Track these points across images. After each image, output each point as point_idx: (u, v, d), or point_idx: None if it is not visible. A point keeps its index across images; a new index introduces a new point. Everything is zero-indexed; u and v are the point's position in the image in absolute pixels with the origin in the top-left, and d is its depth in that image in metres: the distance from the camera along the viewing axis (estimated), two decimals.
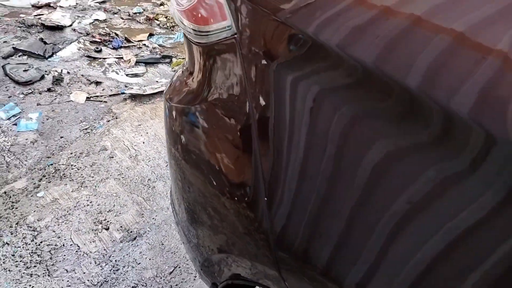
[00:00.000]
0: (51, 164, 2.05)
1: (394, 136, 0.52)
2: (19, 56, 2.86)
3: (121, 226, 1.77)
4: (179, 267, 1.62)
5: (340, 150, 0.58)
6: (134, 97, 2.59)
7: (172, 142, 0.98)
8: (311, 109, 0.61)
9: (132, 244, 1.70)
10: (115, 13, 3.51)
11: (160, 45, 3.21)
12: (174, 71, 2.94)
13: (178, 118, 0.93)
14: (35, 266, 1.59)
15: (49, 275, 1.56)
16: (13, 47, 2.89)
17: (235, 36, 0.69)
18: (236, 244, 0.86)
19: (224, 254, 0.89)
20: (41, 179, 1.97)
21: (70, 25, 3.27)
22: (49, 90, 2.58)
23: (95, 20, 3.38)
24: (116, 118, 2.40)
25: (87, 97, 2.56)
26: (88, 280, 1.56)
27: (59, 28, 3.19)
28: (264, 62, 0.65)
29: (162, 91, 2.66)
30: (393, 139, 0.52)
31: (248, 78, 0.69)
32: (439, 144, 0.47)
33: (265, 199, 0.71)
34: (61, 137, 2.24)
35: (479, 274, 0.46)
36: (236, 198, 0.80)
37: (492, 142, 0.43)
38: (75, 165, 2.06)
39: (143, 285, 1.56)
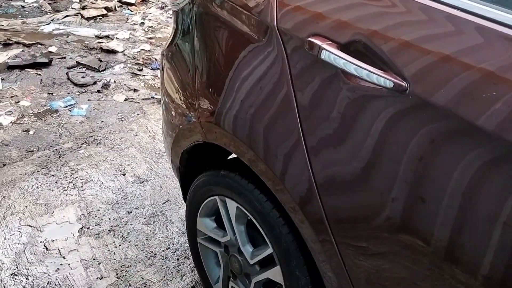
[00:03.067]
0: (92, 135, 2.77)
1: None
2: (80, 68, 3.70)
3: (134, 174, 2.43)
4: (169, 201, 2.25)
5: (222, 49, 1.24)
6: (160, 101, 3.32)
7: (161, 81, 1.65)
8: (216, 28, 1.28)
9: (140, 185, 2.35)
10: (158, 46, 4.36)
11: None
12: None
13: (163, 61, 1.61)
14: (70, 190, 2.26)
15: (79, 195, 2.22)
16: (76, 61, 3.74)
17: (190, 1, 1.37)
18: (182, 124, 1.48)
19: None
20: (83, 143, 2.69)
21: (122, 51, 4.13)
22: (98, 91, 3.36)
23: (142, 49, 4.24)
24: (145, 113, 3.13)
25: (125, 98, 3.31)
26: (105, 201, 2.21)
27: (113, 52, 4.05)
28: (202, 16, 1.32)
29: None
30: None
31: (194, 26, 1.36)
32: None
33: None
34: (102, 121, 2.97)
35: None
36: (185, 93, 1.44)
37: None
38: (108, 137, 2.77)
39: (142, 208, 2.19)
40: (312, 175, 1.01)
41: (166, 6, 5.43)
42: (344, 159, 0.93)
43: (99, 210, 2.16)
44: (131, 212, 2.16)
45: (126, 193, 2.28)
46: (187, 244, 1.75)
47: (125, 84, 3.54)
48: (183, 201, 2.19)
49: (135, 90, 3.46)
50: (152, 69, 3.86)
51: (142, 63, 3.94)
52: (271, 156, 1.10)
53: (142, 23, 4.85)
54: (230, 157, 1.50)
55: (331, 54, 0.89)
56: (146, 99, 3.35)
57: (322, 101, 0.97)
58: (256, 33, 1.10)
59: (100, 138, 2.75)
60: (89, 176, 2.39)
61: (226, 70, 1.21)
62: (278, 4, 1.03)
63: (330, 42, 0.92)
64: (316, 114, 0.97)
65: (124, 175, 2.42)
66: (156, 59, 4.01)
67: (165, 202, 2.24)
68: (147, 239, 2.02)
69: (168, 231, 2.06)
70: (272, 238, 1.23)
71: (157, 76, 3.77)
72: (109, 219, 2.12)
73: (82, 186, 2.30)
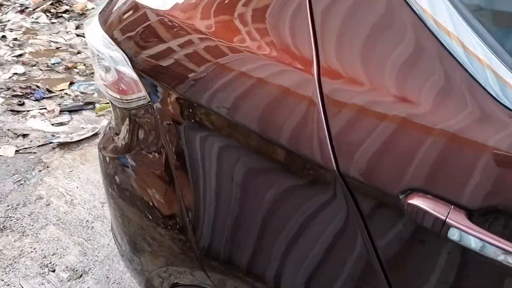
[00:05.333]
0: None
1: (276, 177, 0.79)
2: None
3: (66, 267, 1.92)
4: None
5: (242, 187, 0.84)
6: (62, 145, 2.73)
7: (108, 183, 1.20)
8: (217, 158, 0.86)
9: (79, 281, 1.86)
10: (33, 65, 3.62)
11: (82, 92, 3.37)
12: (99, 116, 3.12)
13: (111, 162, 1.16)
14: None
15: None
16: None
17: (150, 103, 0.94)
18: (174, 263, 1.09)
19: (163, 268, 1.12)
20: None
21: None
22: None
23: (14, 74, 3.47)
24: (48, 167, 2.54)
25: (16, 150, 2.66)
26: None
27: None
28: (174, 124, 0.91)
29: (89, 137, 2.83)
30: (275, 178, 0.79)
31: (165, 135, 0.94)
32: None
33: (190, 226, 0.96)
34: None
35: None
36: (169, 227, 1.04)
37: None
38: (13, 216, 2.18)
39: None
40: None
41: (27, 8, 4.55)
42: None
43: None
44: None
45: None
46: None
47: (8, 129, 2.85)
48: None
49: (24, 136, 2.80)
50: (36, 100, 3.18)
51: (20, 93, 3.22)
52: None
53: (4, 37, 3.98)
54: None
55: (470, 235, 0.59)
56: (42, 145, 2.73)
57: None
58: (305, 178, 0.75)
59: (2, 220, 2.15)
60: (8, 286, 1.83)
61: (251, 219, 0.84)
62: (337, 139, 0.68)
63: (452, 206, 0.61)
64: None
65: (53, 271, 1.90)
66: (37, 86, 3.31)
67: None
68: None
69: None
70: None
71: (45, 108, 3.11)
72: None
73: None
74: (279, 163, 0.77)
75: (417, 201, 0.62)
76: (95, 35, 1.02)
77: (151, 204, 1.05)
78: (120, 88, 1.00)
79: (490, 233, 0.58)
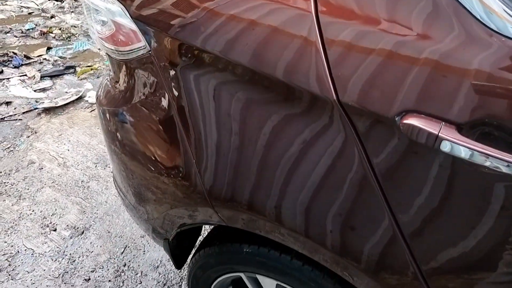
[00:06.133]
0: None
1: (275, 109, 0.84)
2: None
3: (67, 225, 1.98)
4: (128, 247, 1.89)
5: (240, 121, 0.90)
6: (47, 110, 2.73)
7: (110, 140, 1.24)
8: (214, 95, 0.92)
9: (81, 237, 1.93)
10: (7, 33, 3.54)
11: (60, 57, 3.32)
12: (81, 79, 3.10)
13: (111, 119, 1.20)
14: None
15: (12, 279, 1.75)
16: None
17: (150, 52, 0.98)
18: (178, 206, 1.15)
19: (173, 210, 1.18)
20: None
21: None
22: None
23: None
24: (36, 133, 2.55)
25: (1, 118, 2.65)
26: (49, 275, 1.77)
27: None
28: (173, 69, 0.95)
29: (74, 101, 2.82)
30: (274, 110, 0.84)
31: (165, 80, 0.98)
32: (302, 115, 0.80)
33: (197, 169, 1.01)
34: None
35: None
36: (172, 176, 1.09)
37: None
38: (8, 182, 2.20)
39: (100, 268, 1.80)
40: (415, 263, 0.82)
41: None
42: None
43: None
44: (89, 279, 1.77)
45: (71, 254, 1.86)
46: None
47: None
48: (144, 243, 1.87)
49: (7, 103, 2.79)
50: (15, 67, 3.13)
51: None
52: (364, 258, 0.86)
53: None
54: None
55: (460, 146, 0.66)
56: (27, 111, 2.73)
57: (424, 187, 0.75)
58: (303, 106, 0.81)
59: None
60: (12, 246, 1.89)
61: (255, 151, 0.90)
62: (333, 69, 0.74)
63: (443, 122, 0.68)
64: (416, 202, 0.76)
65: (55, 230, 1.96)
66: (14, 53, 3.25)
67: (123, 251, 1.87)
68: None
69: (146, 287, 1.74)
70: None
71: (25, 74, 3.08)
72: None
73: (10, 265, 1.81)
74: (278, 95, 0.83)
75: (412, 121, 0.68)
76: None
77: (153, 155, 1.10)
78: (119, 40, 1.03)
79: (477, 142, 0.65)
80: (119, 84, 1.15)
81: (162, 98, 1.02)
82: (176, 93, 0.98)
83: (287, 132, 0.84)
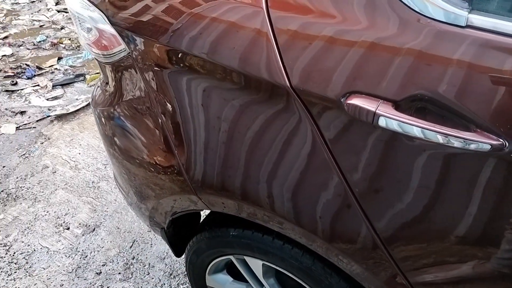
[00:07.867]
0: (2, 191, 2.31)
1: (236, 97, 0.92)
2: None
3: (79, 224, 2.10)
4: (136, 241, 1.99)
5: (226, 122, 0.97)
6: (59, 117, 2.86)
7: (108, 144, 1.33)
8: (203, 97, 0.99)
9: (93, 234, 2.04)
10: (20, 46, 3.70)
11: (71, 66, 3.46)
12: (90, 86, 3.23)
13: (107, 123, 1.29)
14: (15, 272, 1.89)
15: (29, 275, 1.88)
16: None
17: (129, 54, 1.06)
18: (177, 200, 1.24)
19: (160, 200, 1.26)
20: None
21: None
22: None
23: (2, 56, 3.56)
24: (49, 139, 2.68)
25: (17, 127, 2.80)
26: (64, 271, 1.89)
27: None
28: (158, 70, 1.03)
29: (84, 107, 2.95)
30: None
31: (147, 84, 1.06)
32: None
33: (184, 168, 1.10)
34: (3, 166, 2.49)
35: None
36: (168, 173, 1.18)
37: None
38: (24, 186, 2.34)
39: (110, 261, 1.91)
40: (376, 234, 0.88)
41: None
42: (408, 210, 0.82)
43: (62, 285, 1.85)
44: (101, 273, 1.88)
45: (83, 250, 1.97)
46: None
47: (6, 109, 2.97)
48: (151, 237, 1.96)
49: (22, 113, 2.93)
50: (28, 78, 3.28)
51: (12, 74, 3.32)
52: (318, 223, 0.94)
53: None
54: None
55: (393, 120, 0.73)
56: (41, 119, 2.86)
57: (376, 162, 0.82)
58: (260, 95, 0.88)
59: (14, 191, 2.31)
60: (29, 245, 2.01)
61: (226, 139, 0.98)
62: (284, 55, 0.81)
63: (381, 101, 0.74)
64: (370, 176, 0.83)
65: (68, 228, 2.08)
66: (27, 65, 3.40)
67: (132, 245, 1.98)
68: None
69: (153, 278, 1.84)
70: None
71: (38, 84, 3.22)
72: None
73: (27, 263, 1.93)
74: (238, 86, 0.90)
75: (354, 101, 0.75)
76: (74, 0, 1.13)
77: (149, 156, 1.19)
78: (102, 45, 1.12)
79: (414, 117, 0.72)
80: (109, 86, 1.24)
81: (143, 95, 1.11)
82: (155, 90, 1.06)
83: (250, 118, 0.92)
